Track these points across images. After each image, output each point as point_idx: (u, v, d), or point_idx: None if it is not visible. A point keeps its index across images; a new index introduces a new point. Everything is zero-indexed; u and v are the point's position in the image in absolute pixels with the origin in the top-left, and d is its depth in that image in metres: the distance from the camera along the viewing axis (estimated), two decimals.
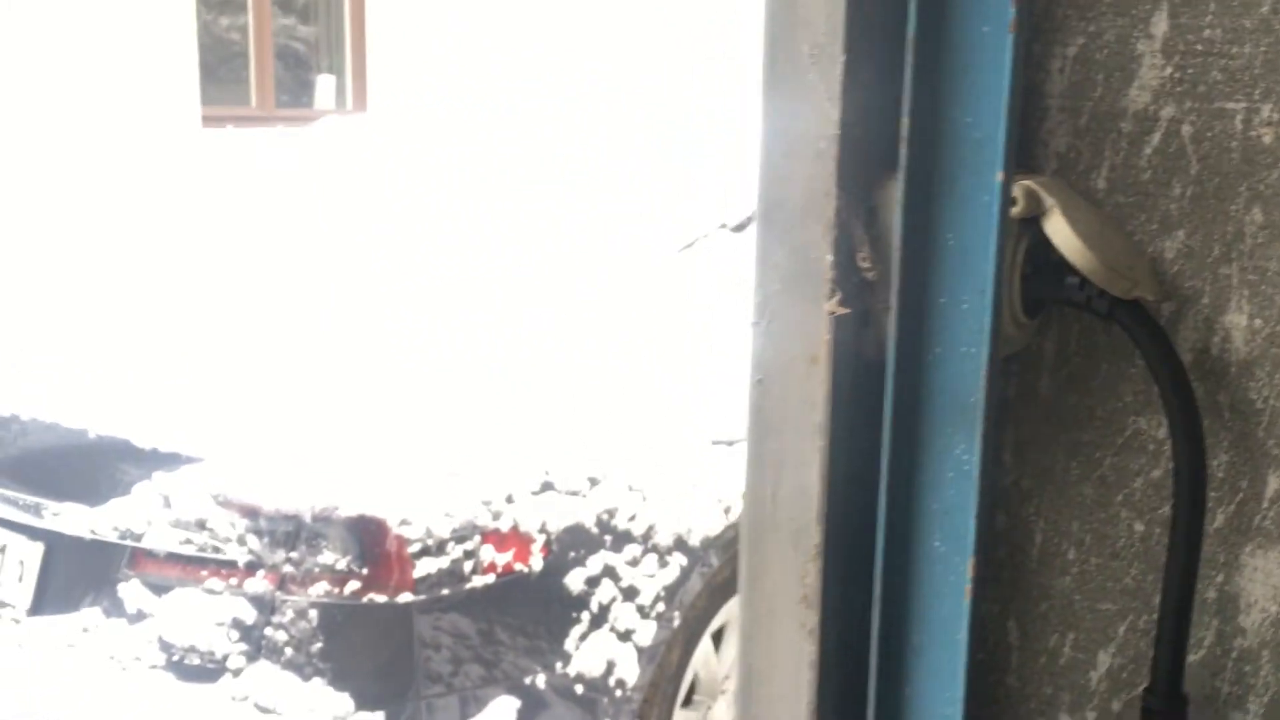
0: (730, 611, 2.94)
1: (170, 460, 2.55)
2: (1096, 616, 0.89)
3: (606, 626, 2.65)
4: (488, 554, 2.50)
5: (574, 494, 2.61)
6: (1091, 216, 0.81)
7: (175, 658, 2.48)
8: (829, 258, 0.80)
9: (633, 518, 2.68)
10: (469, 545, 2.47)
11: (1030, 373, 0.88)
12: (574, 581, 2.61)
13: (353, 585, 2.42)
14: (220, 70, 7.63)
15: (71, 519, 2.60)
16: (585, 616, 2.63)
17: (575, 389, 2.79)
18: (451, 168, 3.70)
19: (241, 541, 2.46)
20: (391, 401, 2.67)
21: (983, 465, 0.75)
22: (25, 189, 5.92)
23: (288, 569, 2.43)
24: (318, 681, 2.43)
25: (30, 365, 2.95)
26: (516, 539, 2.53)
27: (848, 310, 0.81)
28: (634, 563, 2.69)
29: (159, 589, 2.52)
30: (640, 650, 2.68)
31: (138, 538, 2.52)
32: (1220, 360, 0.83)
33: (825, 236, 0.81)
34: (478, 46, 8.05)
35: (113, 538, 2.54)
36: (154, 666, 2.49)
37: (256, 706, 2.43)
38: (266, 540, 2.44)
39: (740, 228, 3.25)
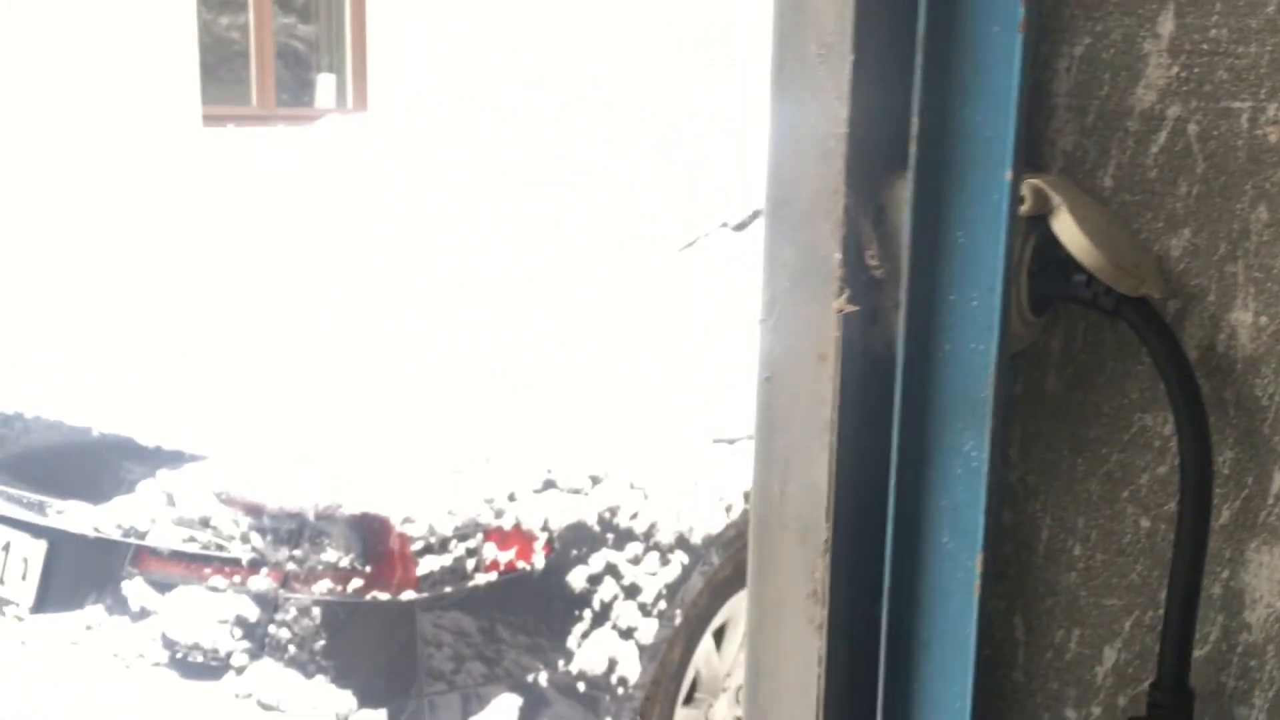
0: (732, 609, 2.94)
1: (174, 458, 2.56)
2: (1102, 612, 0.90)
3: (608, 624, 2.66)
4: (490, 552, 2.50)
5: (576, 492, 2.62)
6: (1098, 215, 0.82)
7: (179, 655, 2.48)
8: (837, 255, 0.81)
9: (634, 516, 2.69)
10: (471, 543, 2.48)
11: (1037, 370, 0.88)
12: (576, 579, 2.62)
13: (356, 583, 2.42)
14: (221, 69, 7.64)
15: (75, 517, 2.60)
16: (587, 614, 2.63)
17: (577, 387, 2.79)
18: (452, 167, 3.71)
19: (245, 539, 2.46)
20: (394, 400, 2.68)
21: (991, 461, 0.76)
22: (26, 188, 5.92)
23: (291, 567, 2.43)
24: (321, 679, 2.44)
25: (33, 363, 2.95)
26: (519, 537, 2.53)
27: (856, 308, 0.81)
28: (636, 561, 2.69)
29: (162, 587, 2.53)
30: (642, 648, 2.69)
31: (141, 535, 2.53)
32: (1226, 357, 0.84)
33: (833, 234, 0.81)
34: (478, 46, 8.05)
35: (116, 535, 2.55)
36: (157, 664, 2.50)
37: (260, 704, 2.44)
38: (270, 538, 2.45)
39: (741, 227, 3.26)
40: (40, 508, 2.65)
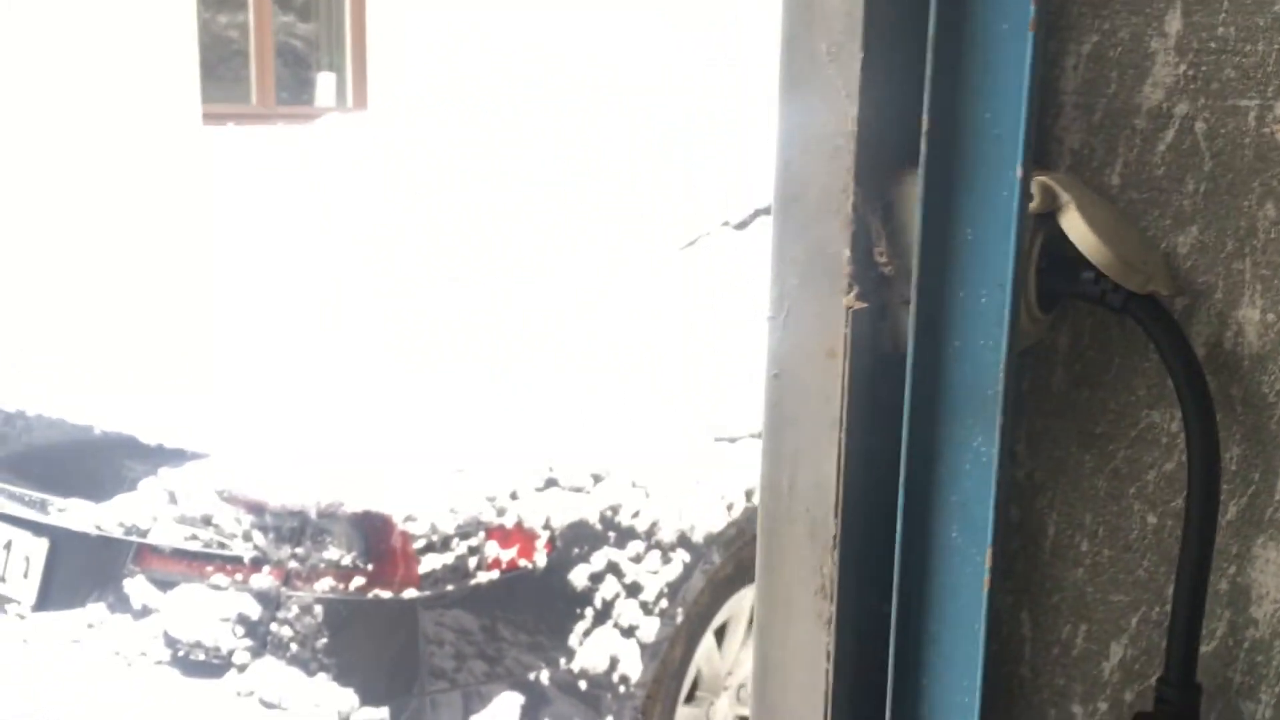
0: (733, 608, 2.95)
1: (176, 456, 2.56)
2: (1109, 608, 0.90)
3: (610, 622, 2.66)
4: (492, 550, 2.51)
5: (578, 490, 2.63)
6: (1106, 212, 0.82)
7: (180, 653, 2.49)
8: (846, 253, 0.81)
9: (636, 514, 2.70)
10: (473, 541, 2.48)
11: (1044, 366, 0.89)
12: (578, 578, 2.62)
13: (358, 581, 2.43)
14: (220, 68, 7.64)
15: (77, 515, 2.60)
16: (589, 612, 2.64)
17: (579, 386, 2.80)
18: (453, 166, 3.71)
19: (247, 537, 2.47)
20: (396, 398, 2.68)
21: (1001, 457, 0.76)
22: (27, 187, 5.92)
23: (293, 565, 2.44)
24: (323, 677, 2.44)
25: (35, 362, 2.96)
26: (521, 535, 2.54)
27: (865, 305, 0.82)
28: (637, 559, 2.70)
29: (164, 585, 2.53)
30: (643, 646, 2.69)
31: (143, 534, 2.53)
32: (1233, 354, 0.84)
33: (842, 232, 0.81)
34: (478, 44, 8.05)
35: (118, 534, 2.55)
36: (159, 662, 2.50)
37: (261, 702, 2.44)
38: (272, 536, 2.45)
39: (742, 225, 3.26)
40: (42, 506, 2.66)
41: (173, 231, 3.73)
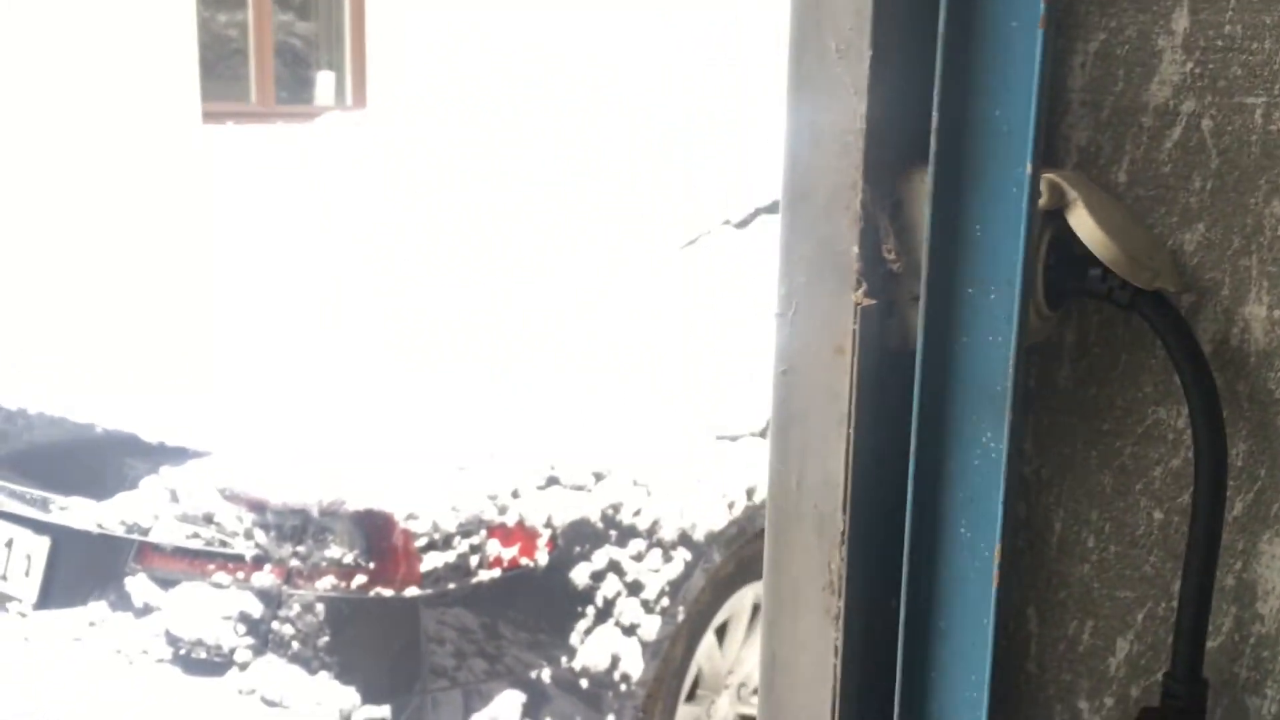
0: (734, 606, 2.95)
1: (177, 455, 2.57)
2: (1115, 604, 0.90)
3: (611, 621, 2.67)
4: (493, 548, 2.51)
5: (579, 489, 2.63)
6: (1113, 209, 0.83)
7: (182, 651, 2.49)
8: (855, 250, 0.82)
9: (637, 513, 2.70)
10: (475, 540, 2.48)
11: (1051, 363, 0.89)
12: (579, 576, 2.63)
13: (359, 579, 2.43)
14: (219, 67, 7.63)
15: (78, 513, 2.60)
16: (590, 611, 2.64)
17: (580, 384, 2.80)
18: (453, 165, 3.71)
19: (248, 536, 2.47)
20: (398, 396, 2.68)
21: (1010, 453, 0.77)
22: (27, 186, 5.92)
23: (294, 563, 2.44)
24: (324, 675, 2.45)
25: (36, 360, 2.96)
26: (522, 534, 2.54)
27: (873, 301, 0.82)
28: (638, 558, 2.70)
29: (166, 583, 2.53)
30: (644, 645, 2.70)
31: (145, 532, 2.53)
32: (1239, 351, 0.84)
33: (851, 229, 0.82)
34: (478, 43, 8.05)
35: (120, 532, 2.55)
36: (161, 660, 2.50)
37: (263, 700, 2.44)
38: (273, 534, 2.45)
39: (743, 224, 3.27)
40: (44, 504, 2.66)
41: (173, 230, 3.73)
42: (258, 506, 2.46)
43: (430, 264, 3.20)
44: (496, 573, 2.52)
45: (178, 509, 2.51)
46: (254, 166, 4.33)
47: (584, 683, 2.64)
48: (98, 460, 2.65)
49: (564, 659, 2.61)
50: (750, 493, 2.85)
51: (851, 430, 0.83)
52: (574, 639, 2.62)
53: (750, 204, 3.29)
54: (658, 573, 2.72)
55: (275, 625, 2.46)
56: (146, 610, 2.53)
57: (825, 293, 0.83)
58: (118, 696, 2.49)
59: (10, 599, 2.69)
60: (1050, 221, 0.82)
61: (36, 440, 2.75)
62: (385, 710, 2.46)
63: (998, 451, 0.77)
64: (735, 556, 2.85)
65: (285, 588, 2.45)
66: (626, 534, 2.69)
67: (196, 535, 2.50)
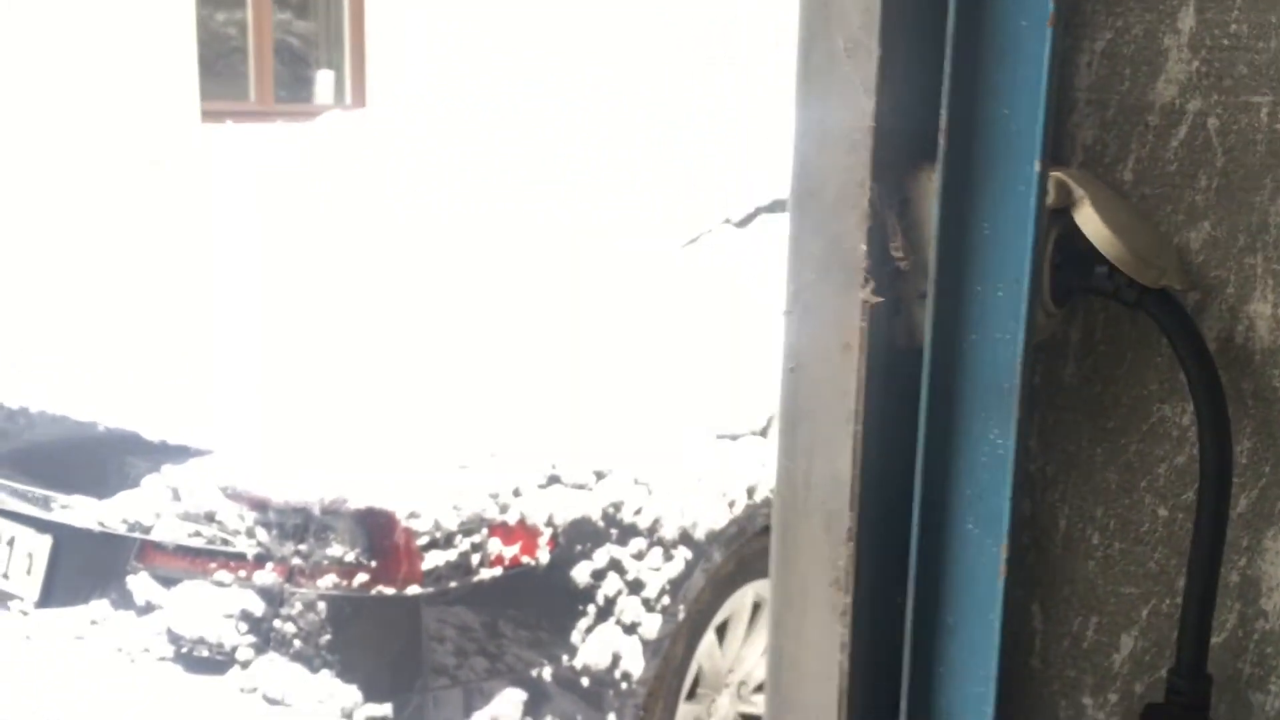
0: (734, 605, 2.96)
1: (179, 453, 2.56)
2: (1120, 600, 0.91)
3: (612, 620, 2.67)
4: (495, 547, 2.51)
5: (580, 487, 2.63)
6: (1120, 207, 0.83)
7: (184, 650, 2.49)
8: (862, 247, 0.82)
9: (638, 511, 2.70)
10: (476, 538, 2.49)
11: (1057, 361, 0.90)
12: (580, 575, 2.63)
13: (361, 578, 2.43)
14: (218, 65, 7.63)
15: (80, 511, 2.60)
16: (591, 609, 2.64)
17: (581, 383, 2.80)
18: (453, 163, 3.72)
19: (250, 534, 2.47)
20: (399, 395, 2.69)
21: (1017, 450, 0.77)
22: (26, 185, 5.91)
23: (296, 561, 2.44)
24: (326, 673, 2.45)
25: (37, 359, 2.96)
26: (523, 532, 2.54)
27: (881, 299, 0.82)
28: (639, 556, 2.70)
29: (167, 581, 2.53)
30: (645, 643, 2.70)
31: (146, 530, 2.53)
32: (1244, 348, 0.85)
33: (859, 226, 0.82)
34: (478, 42, 8.05)
35: (121, 530, 2.55)
36: (162, 658, 2.50)
37: (265, 698, 2.44)
38: (275, 533, 2.45)
39: (744, 223, 3.27)
40: (45, 502, 2.66)
41: (172, 229, 3.73)
42: (259, 505, 2.46)
43: (430, 262, 3.20)
44: (498, 571, 2.52)
45: (179, 507, 2.51)
46: (253, 165, 4.33)
47: (585, 681, 2.64)
48: (99, 458, 2.65)
49: (565, 657, 2.61)
50: (751, 492, 2.85)
51: (859, 427, 0.83)
52: (575, 637, 2.63)
53: (751, 203, 3.29)
54: (658, 571, 2.72)
55: (277, 624, 2.46)
56: (148, 609, 2.53)
57: (833, 290, 0.83)
58: (119, 695, 2.49)
59: (12, 597, 2.69)
60: (1056, 220, 0.83)
61: (38, 438, 2.75)
62: (387, 708, 2.46)
63: (1005, 448, 0.78)
64: (736, 555, 2.86)
65: (287, 586, 2.45)
66: (627, 532, 2.69)
67: (198, 533, 2.50)
